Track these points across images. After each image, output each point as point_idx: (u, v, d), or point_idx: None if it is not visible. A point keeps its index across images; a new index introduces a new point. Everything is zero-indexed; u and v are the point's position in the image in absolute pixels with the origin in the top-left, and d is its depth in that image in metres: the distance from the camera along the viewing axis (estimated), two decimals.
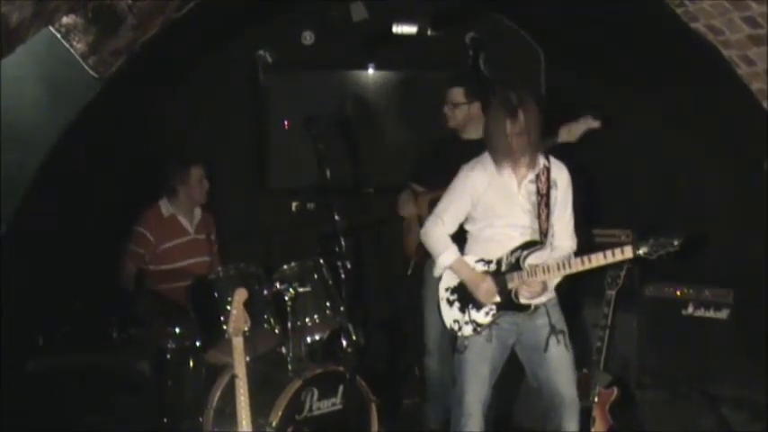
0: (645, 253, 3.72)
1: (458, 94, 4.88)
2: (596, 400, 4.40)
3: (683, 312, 4.96)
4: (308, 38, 6.00)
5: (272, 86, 6.02)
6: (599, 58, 5.51)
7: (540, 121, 3.80)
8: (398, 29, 6.03)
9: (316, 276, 4.47)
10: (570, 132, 4.55)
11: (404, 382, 5.50)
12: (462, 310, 3.92)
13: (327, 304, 4.47)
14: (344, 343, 4.17)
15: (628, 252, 3.71)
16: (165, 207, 5.15)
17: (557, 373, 3.89)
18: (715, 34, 4.13)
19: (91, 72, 3.92)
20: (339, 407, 4.27)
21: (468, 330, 3.90)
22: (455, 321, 3.93)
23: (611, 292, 4.50)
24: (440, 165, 4.95)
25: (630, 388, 4.84)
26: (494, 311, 3.87)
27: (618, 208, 5.54)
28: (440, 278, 4.00)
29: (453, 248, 3.93)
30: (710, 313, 4.89)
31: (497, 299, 3.86)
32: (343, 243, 4.23)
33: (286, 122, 5.91)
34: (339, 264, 4.31)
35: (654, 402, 4.86)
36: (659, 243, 3.72)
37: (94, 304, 4.92)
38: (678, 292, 4.99)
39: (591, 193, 5.78)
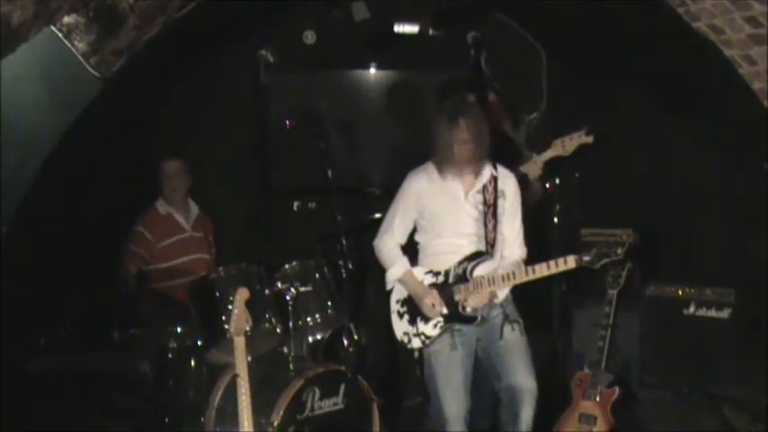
0: (588, 262, 3.74)
1: None
2: (598, 399, 4.40)
3: (685, 312, 4.95)
4: (309, 37, 6.00)
5: (273, 86, 6.01)
6: (600, 57, 5.50)
7: (487, 130, 3.77)
8: (400, 28, 6.03)
9: (317, 276, 4.48)
10: (564, 147, 4.51)
11: (405, 382, 5.49)
12: (411, 322, 3.91)
13: (329, 304, 4.47)
14: (346, 342, 4.16)
15: (571, 262, 3.73)
16: (162, 205, 5.20)
17: (513, 359, 3.86)
18: (716, 34, 4.13)
19: (92, 72, 3.92)
20: (341, 406, 4.27)
21: (417, 343, 3.90)
22: (405, 334, 3.94)
23: (613, 292, 4.50)
24: None
25: (632, 387, 4.83)
26: (441, 324, 3.86)
27: (618, 208, 5.53)
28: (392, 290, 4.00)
29: (403, 261, 3.92)
30: (712, 313, 4.88)
31: (444, 311, 3.84)
32: (344, 242, 4.22)
33: (288, 122, 5.90)
34: (341, 263, 4.31)
35: (655, 402, 4.85)
36: (602, 252, 3.73)
37: (95, 304, 4.92)
38: (680, 292, 4.98)
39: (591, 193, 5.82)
